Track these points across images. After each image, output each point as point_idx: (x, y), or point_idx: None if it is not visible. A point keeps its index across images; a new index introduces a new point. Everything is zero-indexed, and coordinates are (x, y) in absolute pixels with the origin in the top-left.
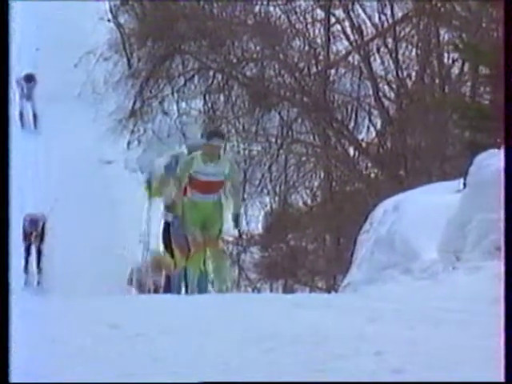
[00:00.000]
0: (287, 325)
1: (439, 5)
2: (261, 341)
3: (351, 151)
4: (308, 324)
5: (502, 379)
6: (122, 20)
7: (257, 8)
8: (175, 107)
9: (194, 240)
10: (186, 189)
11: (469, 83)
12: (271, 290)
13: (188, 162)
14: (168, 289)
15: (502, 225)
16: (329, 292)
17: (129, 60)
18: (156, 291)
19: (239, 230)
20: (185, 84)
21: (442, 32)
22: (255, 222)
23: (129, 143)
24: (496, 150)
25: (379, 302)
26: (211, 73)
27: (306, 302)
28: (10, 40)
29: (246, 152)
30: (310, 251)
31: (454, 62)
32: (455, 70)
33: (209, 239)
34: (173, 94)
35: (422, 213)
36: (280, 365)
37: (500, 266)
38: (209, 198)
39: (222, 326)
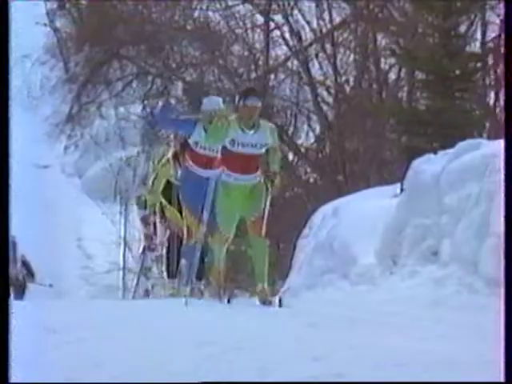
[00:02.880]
0: (227, 330)
1: (376, 10)
2: (201, 346)
3: (290, 156)
4: (247, 329)
5: (502, 379)
6: (58, 24)
7: (196, 13)
8: (113, 112)
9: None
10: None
11: (405, 88)
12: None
13: (222, 129)
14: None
15: (437, 229)
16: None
17: (66, 64)
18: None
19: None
20: (123, 89)
21: (379, 37)
22: None
23: (66, 148)
24: (432, 155)
25: (318, 306)
26: (150, 78)
27: (246, 307)
28: (10, 40)
29: None
30: (249, 256)
31: (391, 67)
32: (392, 76)
33: (251, 223)
34: (111, 98)
35: (361, 218)
36: (219, 370)
37: (436, 271)
38: (249, 179)
39: (162, 330)
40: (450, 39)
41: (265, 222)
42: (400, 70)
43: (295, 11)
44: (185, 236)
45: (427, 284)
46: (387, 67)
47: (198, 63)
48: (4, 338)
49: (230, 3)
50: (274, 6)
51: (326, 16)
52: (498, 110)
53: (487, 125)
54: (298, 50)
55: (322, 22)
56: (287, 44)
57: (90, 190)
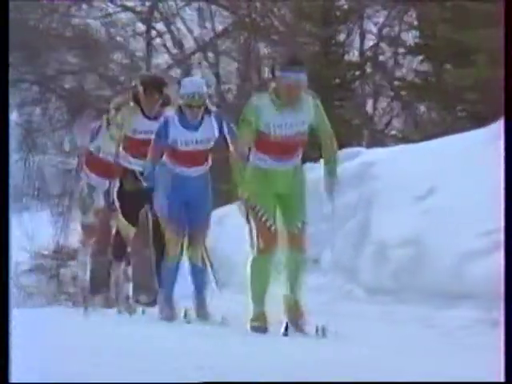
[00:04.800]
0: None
1: (258, 19)
2: (93, 355)
3: None
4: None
5: (502, 379)
6: None
7: (75, 20)
8: None
9: (265, 231)
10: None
11: None
12: (93, 305)
13: (253, 109)
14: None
15: (318, 237)
16: (153, 306)
17: None
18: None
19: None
20: None
21: (261, 46)
22: (75, 235)
23: None
24: (313, 163)
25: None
26: (27, 85)
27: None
28: (9, 40)
29: (64, 166)
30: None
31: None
32: (273, 84)
33: (289, 233)
34: None
35: (245, 226)
36: (109, 376)
37: (316, 279)
38: (286, 165)
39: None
40: (329, 48)
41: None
42: None
43: (177, 19)
44: (167, 252)
45: (308, 292)
46: (270, 76)
47: (78, 71)
48: (4, 338)
49: (110, 11)
50: (156, 14)
51: (209, 24)
52: (376, 118)
53: (365, 133)
54: (180, 58)
55: (204, 31)
56: (169, 52)
57: None
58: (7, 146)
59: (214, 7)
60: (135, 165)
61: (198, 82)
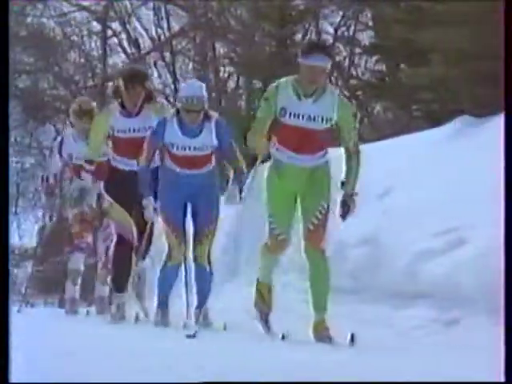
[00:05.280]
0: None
1: (214, 19)
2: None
3: None
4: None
5: (502, 379)
6: None
7: (29, 19)
8: None
9: (272, 240)
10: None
11: (244, 97)
12: (45, 305)
13: (274, 90)
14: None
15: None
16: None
17: None
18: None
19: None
20: None
21: (217, 46)
22: (28, 236)
23: None
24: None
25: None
26: None
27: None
28: (9, 40)
29: (19, 165)
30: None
31: (229, 75)
32: (231, 84)
33: (308, 232)
34: None
35: None
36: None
37: (280, 277)
38: (307, 161)
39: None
40: (286, 47)
41: (326, 228)
42: (238, 78)
43: (133, 19)
44: (168, 255)
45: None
46: (226, 75)
47: (32, 70)
48: (4, 338)
49: (65, 10)
50: (112, 14)
51: (164, 24)
52: None
53: None
54: (136, 57)
55: (160, 30)
56: (125, 52)
57: None
58: (7, 146)
59: (169, 7)
60: (121, 163)
61: (196, 85)
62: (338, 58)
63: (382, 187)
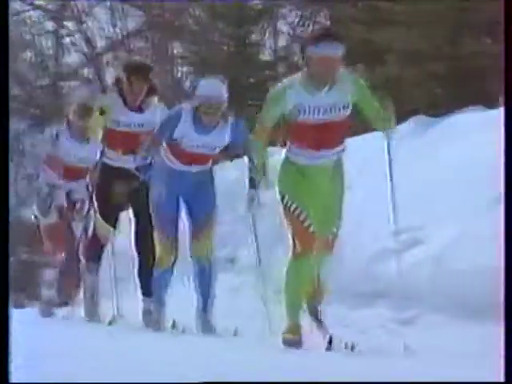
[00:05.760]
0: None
1: (172, 18)
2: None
3: None
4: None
5: (502, 379)
6: None
7: None
8: None
9: (302, 232)
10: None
11: None
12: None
13: (281, 90)
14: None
15: (234, 237)
16: (66, 305)
17: None
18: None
19: None
20: None
21: (174, 45)
22: None
23: None
24: (228, 162)
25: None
26: None
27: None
28: (9, 40)
29: None
30: (41, 265)
31: (187, 75)
32: (187, 84)
33: (322, 237)
34: None
35: None
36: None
37: (232, 279)
38: (324, 159)
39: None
40: (244, 47)
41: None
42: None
43: (88, 18)
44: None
45: (223, 292)
46: (183, 75)
47: None
48: (4, 338)
49: (19, 8)
50: (67, 13)
51: (121, 24)
52: None
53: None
54: (92, 57)
55: (116, 30)
56: (80, 51)
57: None
58: (7, 146)
59: (126, 6)
60: (113, 159)
61: (217, 85)
62: (294, 58)
63: None
